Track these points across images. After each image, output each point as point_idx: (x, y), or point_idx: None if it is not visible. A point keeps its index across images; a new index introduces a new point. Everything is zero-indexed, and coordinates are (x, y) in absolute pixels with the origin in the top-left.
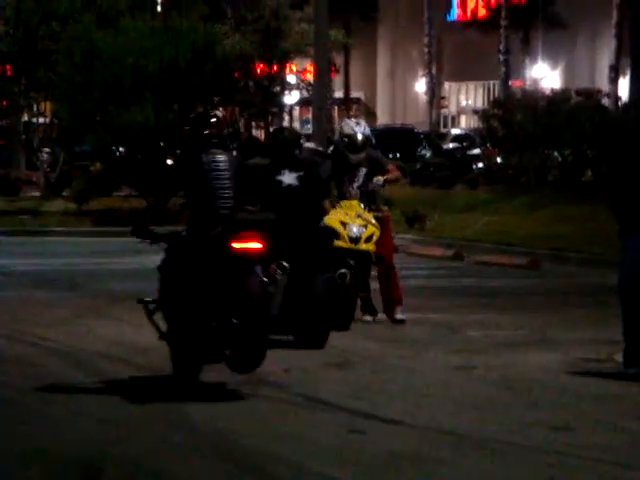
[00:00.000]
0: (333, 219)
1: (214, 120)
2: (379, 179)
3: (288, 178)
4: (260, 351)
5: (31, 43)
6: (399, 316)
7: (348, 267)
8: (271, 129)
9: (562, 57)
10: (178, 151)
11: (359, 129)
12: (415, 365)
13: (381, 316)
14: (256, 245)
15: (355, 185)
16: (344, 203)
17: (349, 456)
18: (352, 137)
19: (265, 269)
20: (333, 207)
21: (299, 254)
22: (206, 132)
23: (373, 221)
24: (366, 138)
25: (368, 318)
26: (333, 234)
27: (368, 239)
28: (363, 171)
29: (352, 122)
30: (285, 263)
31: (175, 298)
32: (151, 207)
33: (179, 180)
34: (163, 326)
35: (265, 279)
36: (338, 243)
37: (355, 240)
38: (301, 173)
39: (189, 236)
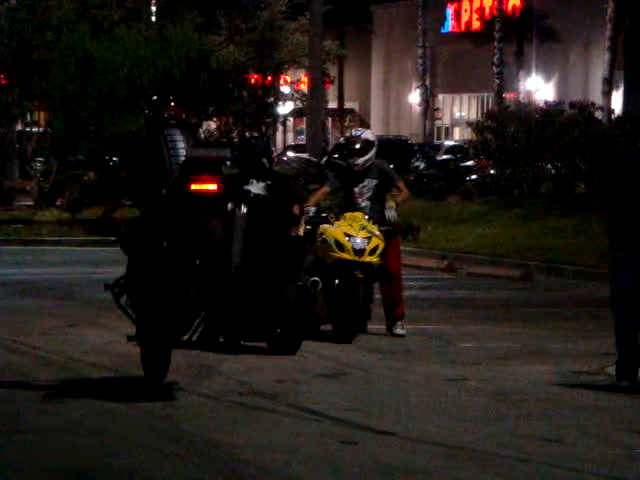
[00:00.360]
0: (337, 231)
1: (172, 104)
2: (394, 214)
3: (255, 188)
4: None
5: (25, 52)
6: (399, 331)
7: (357, 280)
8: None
9: (556, 70)
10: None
11: (358, 132)
12: (408, 376)
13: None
14: (212, 187)
15: (365, 197)
16: (348, 215)
17: (341, 467)
18: (350, 138)
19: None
20: (337, 219)
21: (270, 262)
22: (165, 114)
23: (377, 233)
24: (366, 141)
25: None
26: (303, 243)
27: (372, 251)
28: (373, 183)
29: (354, 130)
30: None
31: (140, 274)
32: (113, 203)
33: (140, 157)
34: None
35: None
36: (342, 255)
37: (359, 252)
38: (268, 182)
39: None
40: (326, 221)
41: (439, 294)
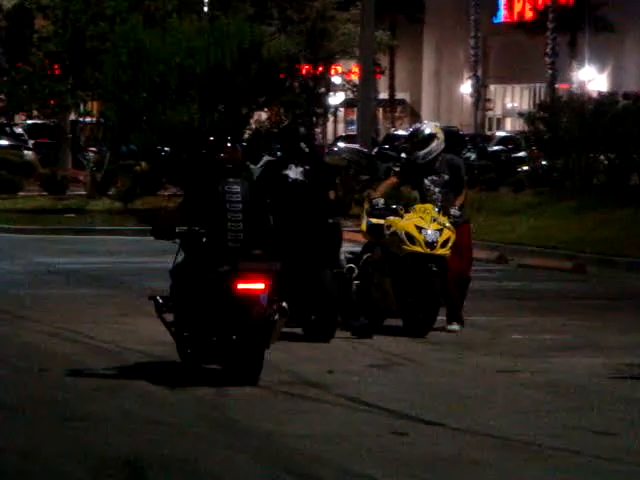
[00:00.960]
0: (408, 223)
1: (229, 146)
2: (456, 212)
3: (294, 173)
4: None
5: (79, 43)
6: (452, 327)
7: (432, 273)
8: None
9: (609, 60)
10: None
11: (419, 125)
12: (458, 368)
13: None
14: (259, 286)
15: (436, 190)
16: (419, 207)
17: (391, 457)
18: (413, 130)
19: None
20: (407, 211)
21: (307, 249)
22: (221, 157)
23: (448, 225)
24: (428, 134)
25: (456, 327)
26: (340, 229)
27: (444, 244)
28: (444, 178)
29: (417, 123)
30: (284, 304)
31: (181, 312)
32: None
33: (195, 206)
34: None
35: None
36: (414, 248)
37: (431, 245)
38: (307, 167)
39: (201, 254)
40: (395, 213)
41: (490, 285)
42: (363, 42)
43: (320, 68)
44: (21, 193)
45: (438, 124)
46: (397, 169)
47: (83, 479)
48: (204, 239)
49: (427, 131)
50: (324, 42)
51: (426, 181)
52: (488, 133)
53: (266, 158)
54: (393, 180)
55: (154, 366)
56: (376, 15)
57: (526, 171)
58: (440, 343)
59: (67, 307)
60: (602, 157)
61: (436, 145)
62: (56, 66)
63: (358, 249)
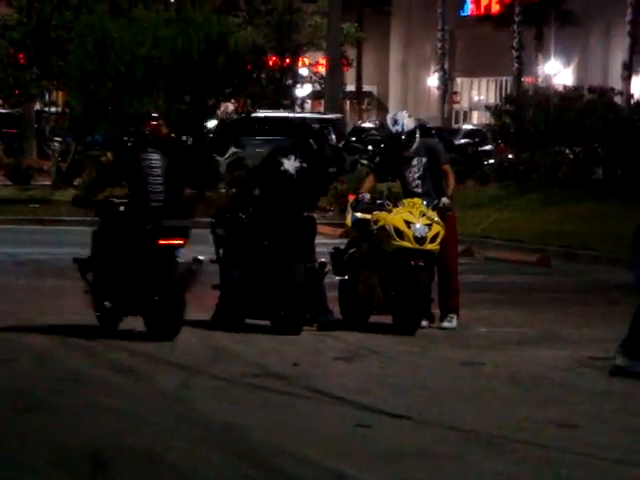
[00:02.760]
0: (397, 218)
1: (151, 121)
2: (446, 201)
3: (289, 164)
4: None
5: (44, 32)
6: (446, 324)
7: (418, 269)
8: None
9: (575, 54)
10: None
11: (398, 122)
12: (423, 360)
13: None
14: (179, 241)
15: (416, 176)
16: (407, 201)
17: (355, 450)
18: (394, 135)
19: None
20: (395, 206)
21: (281, 242)
22: (145, 131)
23: (437, 219)
24: (410, 132)
25: (424, 323)
26: (314, 223)
27: (433, 239)
28: (422, 161)
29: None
30: (201, 257)
31: (104, 270)
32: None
33: (119, 174)
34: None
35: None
36: (403, 243)
37: (420, 240)
38: (304, 165)
39: (125, 216)
40: (382, 208)
41: None
42: (330, 34)
43: (287, 60)
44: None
45: (405, 112)
46: (364, 162)
47: (45, 470)
48: (121, 208)
49: (407, 129)
50: (291, 34)
51: (404, 167)
52: (455, 126)
53: (232, 149)
54: (371, 179)
55: (119, 357)
56: (343, 7)
57: (492, 164)
58: (406, 336)
59: (31, 298)
60: (567, 151)
61: (418, 137)
62: (21, 55)
63: (341, 244)
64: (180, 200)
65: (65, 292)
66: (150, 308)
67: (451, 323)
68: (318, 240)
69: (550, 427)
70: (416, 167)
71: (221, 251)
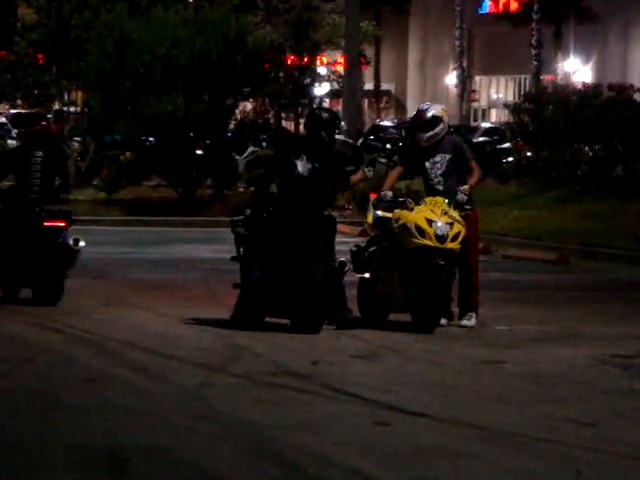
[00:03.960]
0: (418, 216)
1: (40, 122)
2: (464, 196)
3: (302, 166)
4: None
5: (63, 32)
6: (465, 322)
7: (439, 267)
8: (301, 120)
9: (594, 51)
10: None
11: (425, 107)
12: (443, 359)
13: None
14: (61, 223)
15: (438, 172)
16: (429, 199)
17: (373, 448)
18: (418, 111)
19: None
20: (417, 204)
21: (301, 241)
22: (35, 130)
23: (459, 218)
24: (432, 117)
25: (443, 321)
26: (335, 223)
27: (454, 237)
28: (446, 158)
29: (422, 104)
30: (82, 242)
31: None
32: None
33: (6, 168)
34: None
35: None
36: (424, 242)
37: (441, 239)
38: (316, 164)
39: (7, 202)
40: (404, 206)
41: None
42: (348, 33)
43: (305, 58)
44: (5, 183)
45: (444, 106)
46: (383, 160)
47: (65, 469)
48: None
49: (432, 113)
50: (309, 32)
51: (427, 164)
52: (473, 124)
53: (251, 148)
54: (399, 170)
55: (137, 357)
56: (361, 6)
57: (511, 162)
58: (425, 334)
59: None
60: (587, 148)
61: (441, 128)
62: (40, 55)
63: (361, 242)
64: (57, 192)
65: (82, 291)
66: (38, 280)
67: (470, 321)
68: (337, 239)
69: (570, 425)
70: (439, 163)
71: (241, 250)
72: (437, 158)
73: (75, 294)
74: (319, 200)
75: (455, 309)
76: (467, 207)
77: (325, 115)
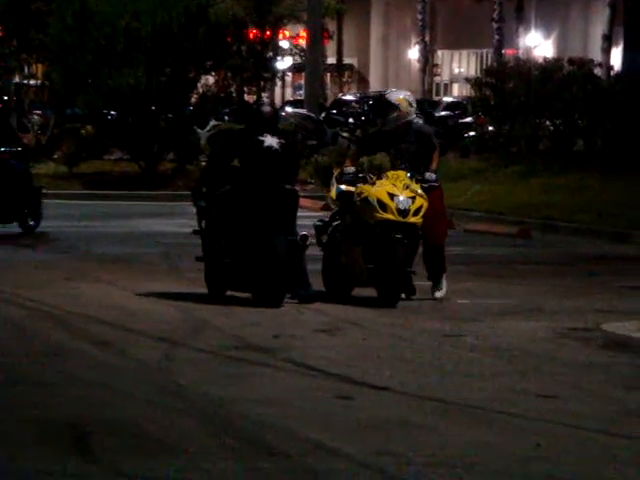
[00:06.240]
0: (380, 190)
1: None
2: (431, 176)
3: (269, 140)
4: None
5: (23, 4)
6: (437, 294)
7: (396, 241)
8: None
9: (555, 26)
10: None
11: (388, 92)
12: (404, 332)
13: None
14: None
15: (403, 159)
16: (391, 173)
17: (336, 422)
18: (382, 96)
19: None
20: (379, 178)
21: (263, 215)
22: None
23: (421, 192)
24: (387, 102)
25: (403, 296)
26: (297, 196)
27: (417, 211)
28: (411, 147)
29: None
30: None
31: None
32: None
33: None
34: None
35: None
36: (386, 216)
37: (403, 212)
38: (282, 140)
39: None
40: (364, 181)
41: None
42: (311, 6)
43: (268, 32)
44: None
45: (409, 93)
46: (345, 134)
47: (29, 443)
48: None
49: (392, 98)
50: (271, 6)
51: (392, 151)
52: (435, 98)
53: (213, 122)
54: (354, 151)
55: (99, 330)
56: None
57: (473, 136)
58: (387, 308)
59: (11, 271)
60: (548, 123)
61: (397, 114)
62: None
63: (323, 217)
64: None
65: (44, 265)
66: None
67: (441, 292)
68: (299, 213)
69: (530, 398)
70: (404, 151)
71: (203, 223)
72: (402, 146)
73: (37, 268)
74: (283, 174)
75: (421, 283)
76: (434, 184)
77: (266, 109)
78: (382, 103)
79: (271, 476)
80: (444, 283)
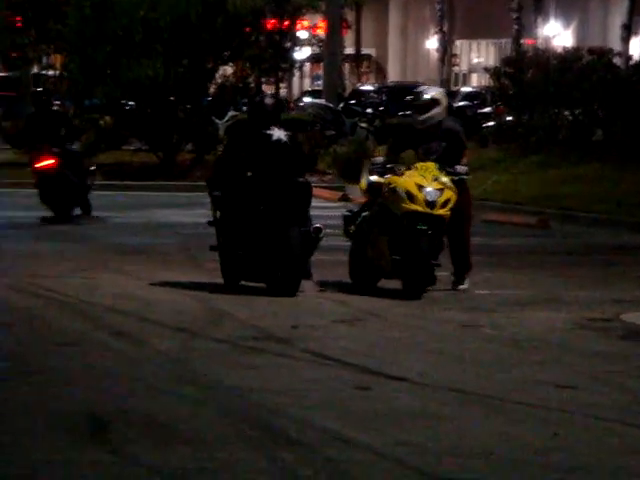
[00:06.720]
0: (409, 181)
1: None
2: (462, 168)
3: (277, 133)
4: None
5: None
6: (461, 287)
7: (421, 233)
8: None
9: (575, 15)
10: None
11: (424, 89)
12: (423, 323)
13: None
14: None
15: (431, 158)
16: (420, 165)
17: (354, 412)
18: (418, 93)
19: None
20: (408, 169)
21: (276, 206)
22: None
23: (450, 184)
24: (430, 99)
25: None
26: (310, 188)
27: (444, 204)
28: (441, 145)
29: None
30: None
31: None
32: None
33: None
34: None
35: None
36: (413, 207)
37: (431, 204)
38: (289, 133)
39: None
40: (393, 172)
41: None
42: None
43: (286, 22)
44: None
45: (442, 90)
46: (363, 125)
47: (47, 433)
48: None
49: (428, 95)
50: None
51: (420, 150)
52: (454, 89)
53: (231, 113)
54: (390, 144)
55: (117, 321)
56: None
57: (491, 127)
58: (405, 298)
59: (31, 261)
60: (567, 113)
61: (438, 111)
62: (18, 18)
63: (341, 208)
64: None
65: (62, 256)
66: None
67: (466, 284)
68: (317, 204)
69: (549, 388)
70: (433, 150)
71: (218, 213)
72: (431, 144)
73: (55, 258)
74: (294, 166)
75: (444, 274)
76: (464, 176)
77: (268, 101)
78: (424, 100)
79: (290, 466)
80: (467, 279)
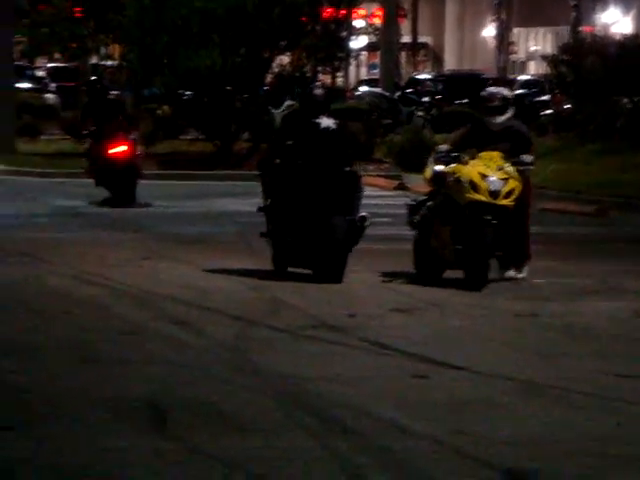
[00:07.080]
0: (472, 171)
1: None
2: (528, 157)
3: (325, 122)
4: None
5: None
6: (520, 275)
7: (485, 223)
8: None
9: (634, 2)
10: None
11: (494, 89)
12: (481, 312)
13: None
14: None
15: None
16: (484, 154)
17: (411, 400)
18: (487, 96)
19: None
20: (472, 158)
21: (322, 194)
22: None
23: (515, 174)
24: (503, 98)
25: (512, 273)
26: (357, 178)
27: (508, 194)
28: (507, 146)
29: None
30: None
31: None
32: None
33: None
34: None
35: None
36: (476, 196)
37: (494, 194)
38: (339, 121)
39: None
40: (458, 161)
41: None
42: None
43: (342, 11)
44: (42, 137)
45: (508, 89)
46: (420, 113)
47: (107, 421)
48: None
49: (507, 94)
50: None
51: (488, 150)
52: (511, 77)
53: (288, 102)
54: (464, 131)
55: (176, 309)
56: None
57: (549, 115)
58: (463, 287)
59: (89, 250)
60: (625, 100)
61: (512, 113)
62: (77, 9)
63: (397, 197)
64: None
65: (121, 245)
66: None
67: (523, 273)
68: (373, 192)
69: (609, 378)
70: (501, 150)
71: (268, 200)
72: (500, 146)
73: (114, 247)
74: (342, 155)
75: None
76: (530, 166)
77: (319, 92)
78: (500, 99)
79: (346, 454)
80: (526, 267)
